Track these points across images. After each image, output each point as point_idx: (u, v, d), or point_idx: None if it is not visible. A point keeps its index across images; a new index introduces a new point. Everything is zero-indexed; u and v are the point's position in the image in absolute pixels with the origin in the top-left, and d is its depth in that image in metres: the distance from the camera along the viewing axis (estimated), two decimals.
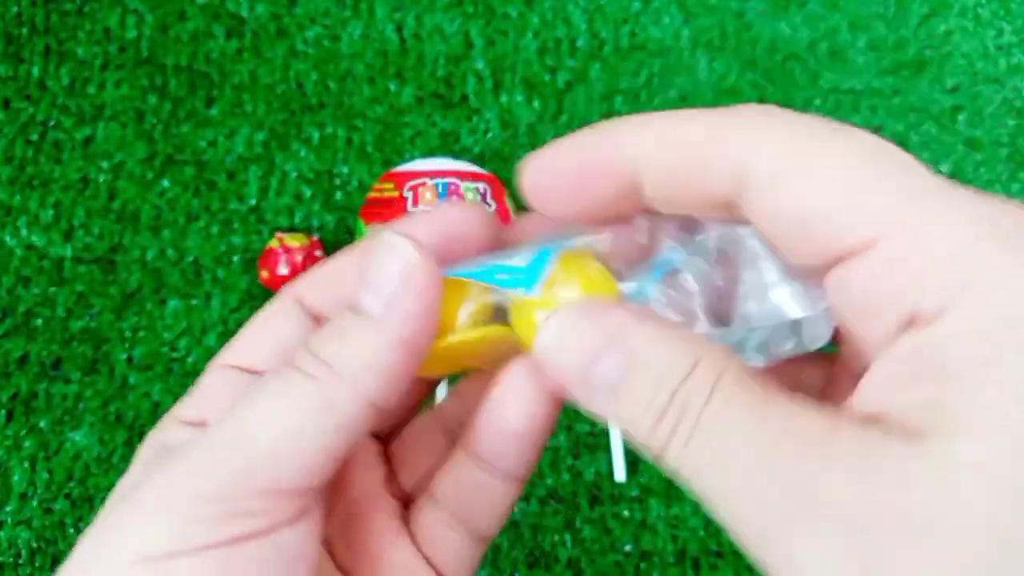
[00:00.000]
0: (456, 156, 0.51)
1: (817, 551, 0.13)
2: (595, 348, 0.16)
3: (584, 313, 0.17)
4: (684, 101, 0.54)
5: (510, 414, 0.19)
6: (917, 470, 0.12)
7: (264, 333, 0.20)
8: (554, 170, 0.18)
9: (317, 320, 0.20)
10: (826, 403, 0.15)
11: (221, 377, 0.20)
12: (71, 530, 0.44)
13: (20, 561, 0.43)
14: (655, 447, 0.15)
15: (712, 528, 0.46)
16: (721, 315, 0.19)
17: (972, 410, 0.12)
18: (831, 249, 0.15)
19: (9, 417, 0.46)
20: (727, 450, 0.14)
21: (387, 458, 0.22)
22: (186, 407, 0.20)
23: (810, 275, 0.17)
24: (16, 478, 0.44)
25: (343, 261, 0.20)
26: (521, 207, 0.50)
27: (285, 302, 0.20)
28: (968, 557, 0.12)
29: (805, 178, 0.15)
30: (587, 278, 0.19)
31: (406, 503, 0.21)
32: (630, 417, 0.16)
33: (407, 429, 0.23)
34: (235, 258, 0.49)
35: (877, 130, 0.54)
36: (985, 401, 0.12)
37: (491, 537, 0.21)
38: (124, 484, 0.19)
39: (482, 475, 0.20)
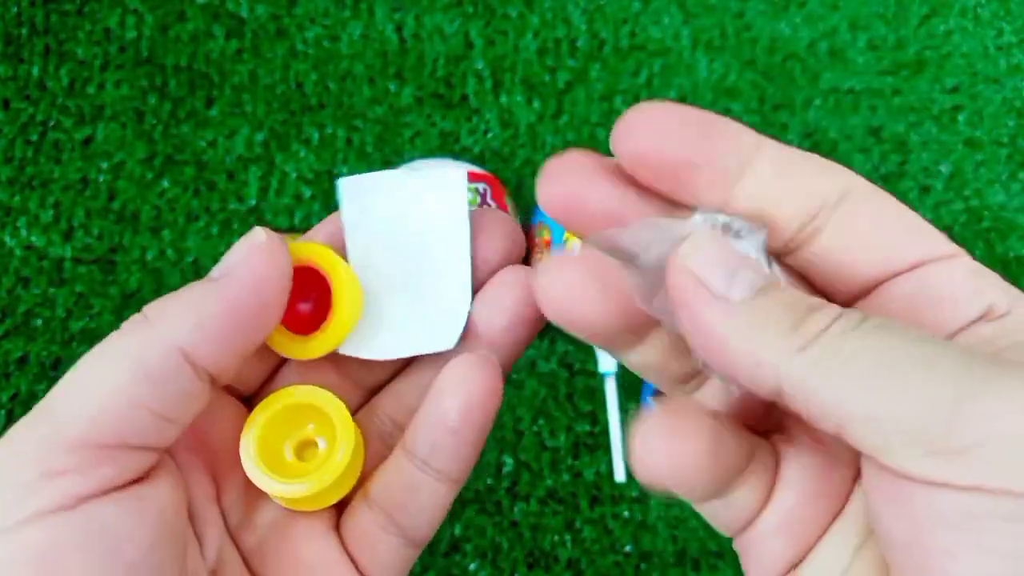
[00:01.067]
0: (456, 156, 0.51)
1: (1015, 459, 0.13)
2: (736, 263, 0.16)
3: (724, 240, 0.17)
4: (684, 101, 0.54)
5: (447, 407, 0.19)
6: None
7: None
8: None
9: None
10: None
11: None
12: None
13: None
14: (783, 354, 0.15)
15: (712, 528, 0.46)
16: None
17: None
18: (904, 259, 0.17)
19: (9, 417, 0.46)
20: (887, 356, 0.14)
21: None
22: None
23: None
24: None
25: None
26: (520, 207, 0.50)
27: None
28: None
29: (874, 214, 0.17)
30: None
31: (340, 505, 0.21)
32: (759, 322, 0.15)
33: None
34: None
35: (877, 130, 0.54)
36: None
37: (423, 542, 0.21)
38: None
39: (418, 474, 0.20)
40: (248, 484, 0.20)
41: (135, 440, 0.17)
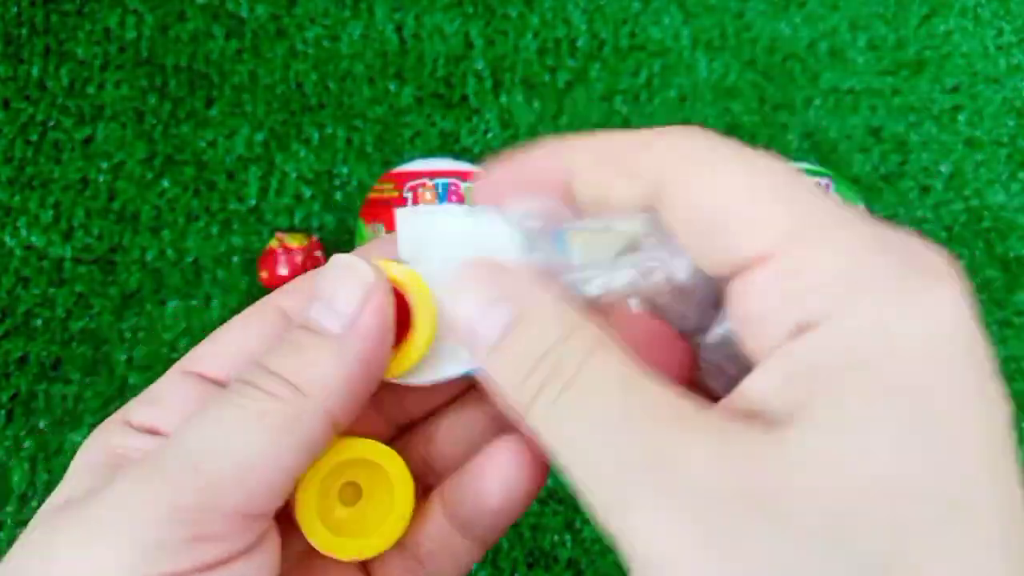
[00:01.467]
0: (456, 156, 0.51)
1: (666, 519, 0.14)
2: (488, 300, 0.17)
3: (483, 269, 0.18)
4: (684, 101, 0.54)
5: (490, 488, 0.20)
6: (769, 453, 0.14)
7: (231, 340, 0.19)
8: (503, 178, 0.19)
9: None
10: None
11: (179, 383, 0.19)
12: None
13: None
14: (522, 402, 0.16)
15: None
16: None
17: (827, 409, 0.14)
18: (733, 259, 0.16)
19: (9, 418, 0.46)
20: (593, 414, 0.15)
21: None
22: (137, 411, 0.19)
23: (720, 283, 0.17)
24: (16, 479, 0.44)
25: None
26: None
27: (263, 310, 0.20)
28: (800, 533, 0.13)
29: (717, 189, 0.16)
30: None
31: None
32: (504, 370, 0.16)
33: None
34: (235, 259, 0.49)
35: (877, 131, 0.54)
36: (840, 403, 0.14)
37: None
38: (61, 494, 0.18)
39: (455, 533, 0.20)
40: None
41: (277, 506, 0.17)
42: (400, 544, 0.20)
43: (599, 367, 0.15)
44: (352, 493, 0.20)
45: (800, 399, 0.14)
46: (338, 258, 0.18)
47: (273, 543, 0.17)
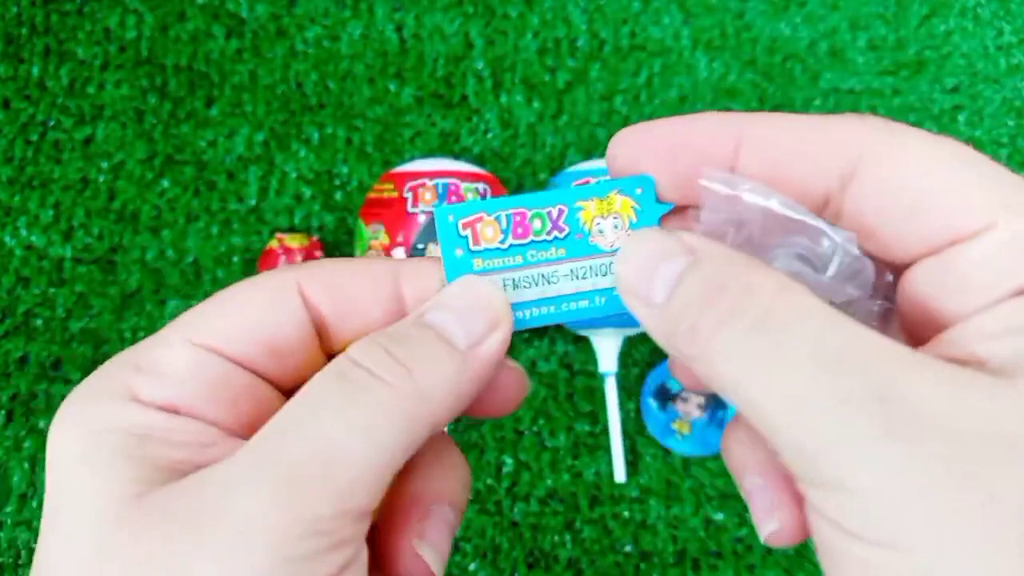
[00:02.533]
0: (456, 156, 0.51)
1: (901, 455, 0.13)
2: (668, 249, 0.17)
3: (661, 230, 0.18)
4: (684, 101, 0.54)
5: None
6: (1011, 396, 0.13)
7: (247, 313, 0.18)
8: (655, 143, 0.18)
9: (315, 319, 0.18)
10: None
11: (190, 356, 0.17)
12: None
13: (20, 562, 0.43)
14: (698, 335, 0.15)
15: (712, 528, 0.46)
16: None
17: None
18: (944, 231, 0.16)
19: (9, 417, 0.46)
20: (797, 348, 0.14)
21: None
22: (145, 385, 0.17)
23: (891, 268, 0.17)
24: (16, 478, 0.44)
25: (354, 268, 0.19)
26: None
27: (284, 284, 0.18)
28: None
29: (914, 169, 0.16)
30: None
31: None
32: (687, 297, 0.16)
33: None
34: (235, 258, 0.49)
35: None
36: None
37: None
38: (98, 482, 0.15)
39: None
40: None
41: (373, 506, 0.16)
42: None
43: (794, 304, 0.15)
44: None
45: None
46: (469, 278, 0.18)
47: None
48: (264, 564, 0.14)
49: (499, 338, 0.18)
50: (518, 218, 0.19)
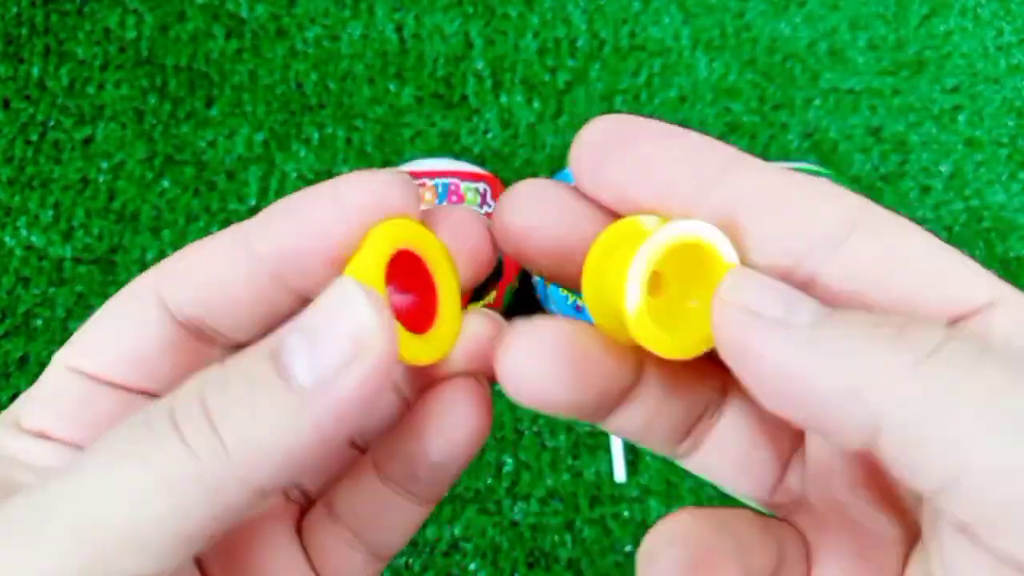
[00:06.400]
0: (456, 156, 0.51)
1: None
2: (789, 290, 0.14)
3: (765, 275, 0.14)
4: (684, 101, 0.54)
5: (429, 443, 0.17)
6: None
7: (116, 331, 0.16)
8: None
9: (182, 325, 0.17)
10: None
11: (67, 381, 0.16)
12: None
13: None
14: (887, 370, 0.12)
15: None
16: None
17: None
18: (953, 305, 0.14)
19: None
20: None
21: None
22: (27, 409, 0.16)
23: None
24: None
25: (209, 248, 0.16)
26: None
27: (143, 297, 0.16)
28: None
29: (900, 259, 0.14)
30: None
31: (303, 508, 0.19)
32: (845, 338, 0.13)
33: None
34: None
35: (877, 131, 0.54)
36: None
37: (391, 556, 0.19)
38: None
39: (391, 496, 0.18)
40: None
41: (182, 564, 0.15)
42: (334, 515, 0.18)
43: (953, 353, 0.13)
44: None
45: None
46: (344, 282, 0.14)
47: None
48: None
49: (360, 373, 0.13)
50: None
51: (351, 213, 0.15)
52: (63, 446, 0.16)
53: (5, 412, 0.17)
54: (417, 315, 0.17)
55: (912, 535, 0.15)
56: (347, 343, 0.13)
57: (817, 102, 0.54)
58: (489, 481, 0.46)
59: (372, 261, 0.15)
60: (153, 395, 0.17)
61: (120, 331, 0.16)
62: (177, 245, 0.49)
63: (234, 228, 0.16)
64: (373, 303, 0.13)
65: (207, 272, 0.16)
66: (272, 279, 0.16)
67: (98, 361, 0.16)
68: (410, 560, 0.45)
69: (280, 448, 0.13)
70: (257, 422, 0.13)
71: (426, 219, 0.17)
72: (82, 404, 0.16)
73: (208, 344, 0.17)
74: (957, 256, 0.14)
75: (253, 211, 0.50)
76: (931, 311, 0.13)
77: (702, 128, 0.53)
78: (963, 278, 0.13)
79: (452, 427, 0.17)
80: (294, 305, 0.16)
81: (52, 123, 0.51)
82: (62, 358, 0.17)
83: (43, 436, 0.16)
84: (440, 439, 0.17)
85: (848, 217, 0.14)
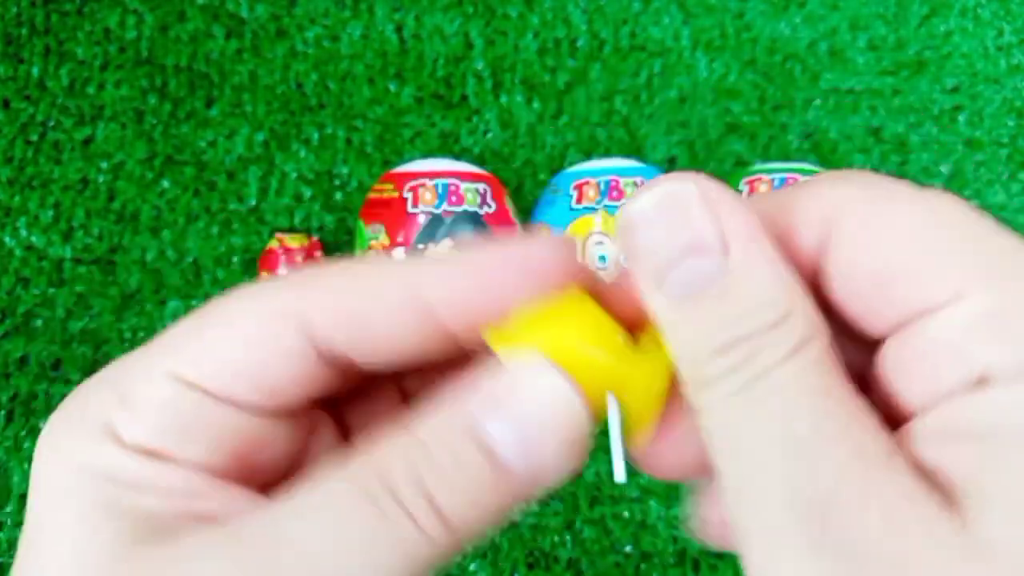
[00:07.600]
0: (456, 156, 0.51)
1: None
2: (696, 240, 0.14)
3: (704, 196, 0.14)
4: (684, 101, 0.54)
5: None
6: (950, 541, 0.12)
7: (234, 345, 0.16)
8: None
9: (324, 352, 0.16)
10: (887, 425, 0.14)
11: (174, 392, 0.15)
12: None
13: None
14: (697, 379, 0.14)
15: None
16: None
17: (1008, 487, 0.12)
18: (909, 303, 0.14)
19: (9, 418, 0.46)
20: (776, 424, 0.13)
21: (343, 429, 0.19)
22: (125, 423, 0.15)
23: (872, 342, 0.16)
24: (16, 479, 0.44)
25: (364, 291, 0.16)
26: (520, 207, 0.50)
27: (279, 311, 0.16)
28: None
29: (887, 234, 0.14)
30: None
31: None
32: (689, 335, 0.14)
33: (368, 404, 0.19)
34: (235, 259, 0.49)
35: (877, 131, 0.54)
36: (1018, 478, 0.12)
37: None
38: (67, 534, 0.14)
39: None
40: None
41: None
42: None
43: (797, 372, 0.13)
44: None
45: (977, 465, 0.13)
46: (532, 359, 0.15)
47: None
48: None
49: (564, 465, 0.15)
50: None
51: (535, 280, 0.16)
52: (183, 470, 0.15)
53: (84, 412, 0.16)
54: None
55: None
56: (551, 423, 0.15)
57: (817, 102, 0.54)
58: None
59: (582, 351, 0.16)
60: (260, 407, 0.16)
61: (252, 349, 0.16)
62: (177, 245, 0.49)
63: (393, 264, 0.16)
64: (568, 380, 0.15)
65: (361, 304, 0.16)
66: (434, 322, 0.16)
67: (220, 376, 0.16)
68: None
69: (488, 515, 0.15)
70: (474, 503, 0.15)
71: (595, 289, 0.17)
72: (200, 424, 0.15)
73: (329, 367, 0.17)
74: (941, 234, 0.14)
75: (253, 211, 0.50)
76: (892, 307, 0.14)
77: (702, 128, 0.53)
78: (929, 268, 0.14)
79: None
80: (443, 345, 0.17)
81: (52, 123, 0.51)
82: (169, 366, 0.16)
83: (152, 455, 0.15)
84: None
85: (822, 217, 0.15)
